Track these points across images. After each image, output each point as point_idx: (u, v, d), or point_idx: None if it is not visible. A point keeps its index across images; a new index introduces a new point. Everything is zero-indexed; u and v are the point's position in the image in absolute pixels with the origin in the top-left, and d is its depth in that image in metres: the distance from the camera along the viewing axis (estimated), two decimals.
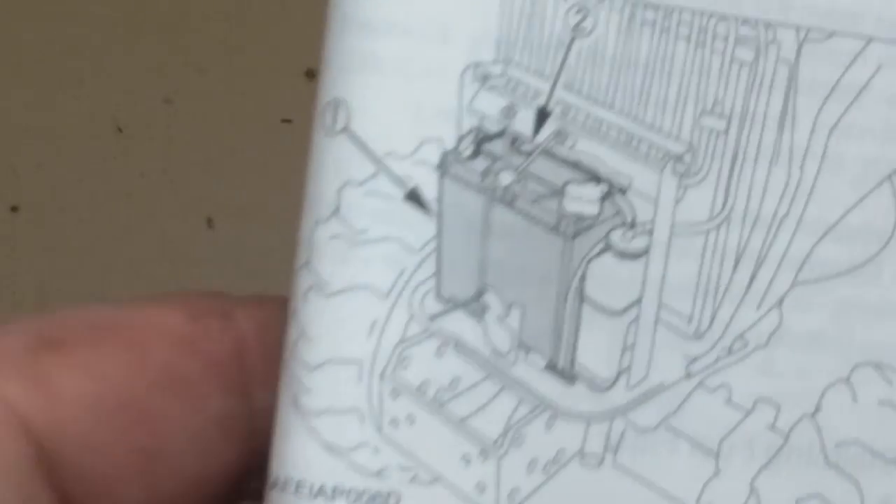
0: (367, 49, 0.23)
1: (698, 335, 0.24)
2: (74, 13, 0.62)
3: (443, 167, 0.23)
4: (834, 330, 0.24)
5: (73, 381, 0.23)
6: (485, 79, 0.23)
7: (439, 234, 0.23)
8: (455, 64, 0.23)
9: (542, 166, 0.23)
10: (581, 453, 0.23)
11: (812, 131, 0.24)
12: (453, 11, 0.23)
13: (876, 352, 0.24)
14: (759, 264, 0.24)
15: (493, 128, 0.23)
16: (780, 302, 0.24)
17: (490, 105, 0.23)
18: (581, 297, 0.23)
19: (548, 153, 0.23)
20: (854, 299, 0.24)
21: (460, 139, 0.23)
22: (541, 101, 0.23)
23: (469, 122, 0.23)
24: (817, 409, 0.24)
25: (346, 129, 0.23)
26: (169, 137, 0.62)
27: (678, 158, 0.23)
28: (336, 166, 0.23)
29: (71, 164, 0.62)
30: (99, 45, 0.62)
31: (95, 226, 0.63)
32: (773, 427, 0.24)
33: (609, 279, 0.23)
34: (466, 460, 0.23)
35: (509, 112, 0.23)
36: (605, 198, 0.23)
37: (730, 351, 0.24)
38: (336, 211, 0.23)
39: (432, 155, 0.23)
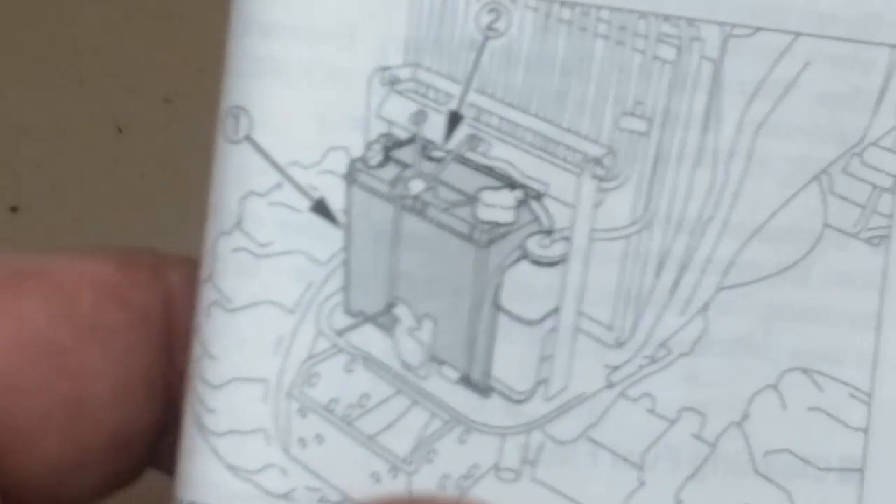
0: (268, 53, 0.22)
1: (619, 343, 0.23)
2: (74, 13, 0.62)
3: (350, 176, 0.22)
4: (761, 335, 0.23)
5: None
6: (393, 83, 0.22)
7: (347, 246, 0.22)
8: (362, 68, 0.22)
9: (454, 173, 0.23)
10: (496, 468, 0.23)
11: (738, 130, 0.23)
12: (359, 13, 0.22)
13: (805, 357, 0.23)
14: (682, 269, 0.23)
15: (402, 134, 0.23)
16: (706, 307, 0.23)
17: (399, 110, 0.22)
18: (496, 306, 0.23)
19: (460, 159, 0.23)
20: (782, 303, 0.23)
21: (368, 146, 0.22)
22: (452, 105, 0.23)
23: (377, 129, 0.22)
24: (745, 416, 0.23)
25: (248, 138, 0.22)
26: (169, 137, 0.62)
27: (597, 162, 0.23)
28: (238, 176, 0.22)
29: (71, 164, 0.62)
30: (99, 45, 0.62)
31: (95, 226, 0.63)
32: (698, 436, 0.23)
33: (526, 288, 0.23)
34: (376, 478, 0.22)
35: (419, 117, 0.23)
36: (520, 204, 0.23)
37: (653, 359, 0.23)
38: (239, 223, 0.22)
39: (339, 164, 0.22)
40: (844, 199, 0.23)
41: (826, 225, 0.23)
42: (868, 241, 0.23)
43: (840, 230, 0.23)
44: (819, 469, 0.23)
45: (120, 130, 0.63)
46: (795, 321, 0.23)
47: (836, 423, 0.23)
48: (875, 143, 0.23)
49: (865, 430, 0.23)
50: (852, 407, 0.23)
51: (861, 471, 0.23)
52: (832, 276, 0.23)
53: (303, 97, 0.22)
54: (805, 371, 0.23)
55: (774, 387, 0.23)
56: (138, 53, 0.64)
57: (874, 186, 0.23)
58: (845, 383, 0.23)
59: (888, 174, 0.23)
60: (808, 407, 0.23)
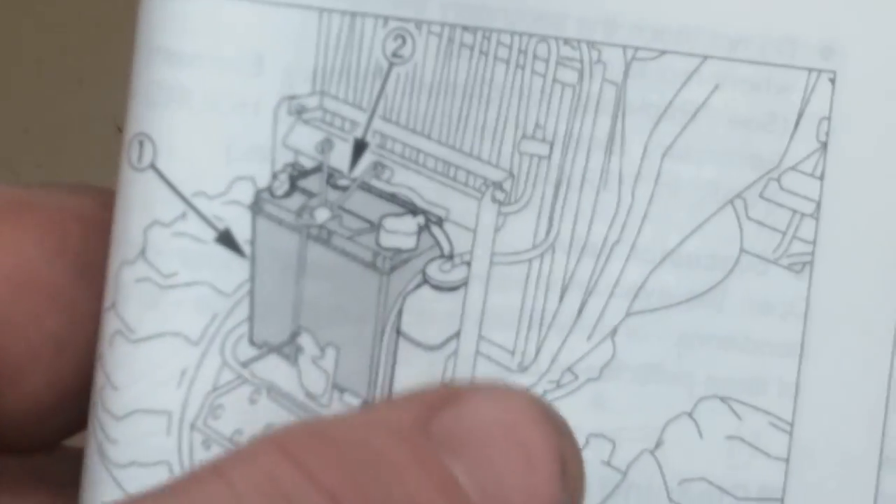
0: (173, 81, 0.22)
1: (522, 368, 0.23)
2: (74, 13, 0.62)
3: (256, 206, 0.22)
4: (674, 361, 0.23)
5: None
6: (300, 112, 0.22)
7: (252, 277, 0.22)
8: (269, 97, 0.22)
9: (359, 201, 0.23)
10: None
11: (644, 154, 0.23)
12: (268, 41, 0.22)
13: (723, 384, 0.23)
14: (588, 293, 0.23)
15: (308, 163, 0.22)
16: (614, 332, 0.23)
17: (305, 139, 0.22)
18: (397, 332, 0.22)
19: (365, 187, 0.22)
20: (696, 329, 0.23)
21: (274, 176, 0.22)
22: (358, 133, 0.22)
23: (283, 158, 0.22)
24: (658, 444, 0.23)
25: (152, 166, 0.22)
26: None
27: (497, 186, 0.22)
28: (142, 205, 0.22)
29: (71, 164, 0.63)
30: (99, 45, 0.62)
31: None
32: (608, 463, 0.23)
33: (426, 313, 0.22)
34: None
35: (325, 146, 0.22)
36: (421, 230, 0.22)
37: (558, 384, 0.23)
38: (142, 252, 0.22)
39: (245, 194, 0.22)
40: (762, 224, 0.23)
41: (743, 251, 0.23)
42: (789, 267, 0.23)
43: (758, 256, 0.23)
44: (737, 498, 0.23)
45: (120, 130, 0.63)
46: (711, 348, 0.23)
47: (756, 451, 0.23)
48: (794, 168, 0.23)
49: (786, 460, 0.23)
50: (773, 436, 0.23)
51: (781, 500, 0.23)
52: (750, 302, 0.23)
53: (209, 127, 0.22)
54: (723, 399, 0.23)
55: (689, 414, 0.23)
56: None
57: (794, 212, 0.23)
58: (766, 412, 0.23)
59: (809, 199, 0.23)
60: (727, 435, 0.23)
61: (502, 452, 0.19)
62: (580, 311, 0.23)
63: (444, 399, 0.20)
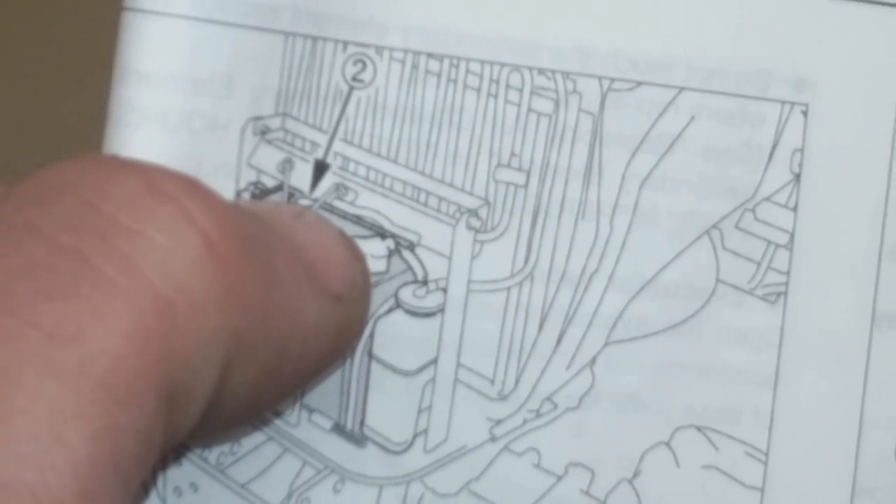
0: (149, 102, 0.22)
1: (502, 397, 0.23)
2: (74, 13, 0.62)
3: None
4: (652, 391, 0.23)
5: None
6: (264, 133, 0.22)
7: None
8: (237, 118, 0.22)
9: None
10: None
11: (621, 184, 0.23)
12: (238, 64, 0.22)
13: (699, 414, 0.23)
14: (567, 322, 0.23)
15: (270, 182, 0.23)
16: (593, 362, 0.23)
17: (268, 159, 0.22)
18: (370, 356, 0.22)
19: (327, 208, 0.23)
20: (674, 359, 0.23)
21: (237, 195, 0.22)
22: (318, 154, 0.23)
23: (247, 177, 0.22)
24: (636, 473, 0.23)
25: None
26: None
27: (472, 213, 0.22)
28: None
29: None
30: (99, 45, 0.62)
31: None
32: (587, 492, 0.23)
33: (400, 338, 0.22)
34: None
35: (286, 166, 0.23)
36: (391, 254, 0.22)
37: (538, 413, 0.23)
38: None
39: None
40: (737, 254, 0.23)
41: (719, 281, 0.23)
42: (764, 297, 0.23)
43: (734, 286, 0.23)
44: None
45: None
46: (688, 378, 0.23)
47: (732, 481, 0.23)
48: (768, 199, 0.23)
49: (761, 489, 0.23)
50: (748, 465, 0.23)
51: None
52: (726, 332, 0.23)
53: (181, 147, 0.22)
54: (699, 428, 0.23)
55: (667, 444, 0.23)
56: None
57: (769, 242, 0.23)
58: (741, 441, 0.23)
59: (783, 230, 0.23)
60: (703, 465, 0.23)
61: None
62: (559, 340, 0.23)
63: None
